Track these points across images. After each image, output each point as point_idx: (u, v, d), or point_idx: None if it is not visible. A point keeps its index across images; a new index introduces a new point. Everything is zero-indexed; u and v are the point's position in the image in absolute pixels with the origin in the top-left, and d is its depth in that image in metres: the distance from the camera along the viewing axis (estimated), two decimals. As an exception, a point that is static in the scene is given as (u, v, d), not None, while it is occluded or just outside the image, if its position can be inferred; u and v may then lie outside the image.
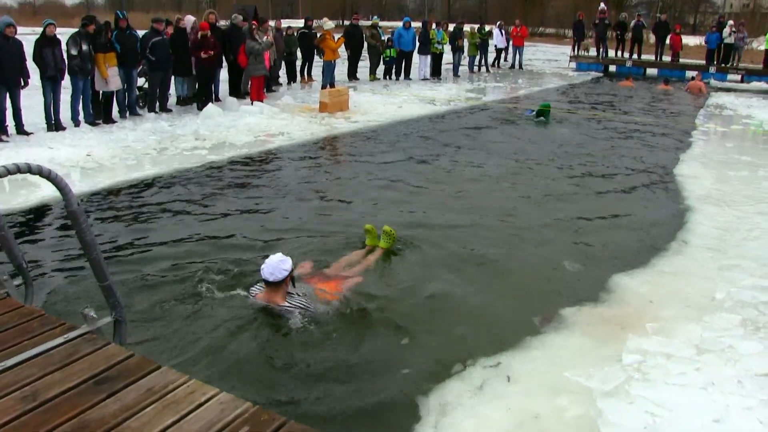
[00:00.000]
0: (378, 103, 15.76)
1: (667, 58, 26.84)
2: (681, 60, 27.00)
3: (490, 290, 5.57)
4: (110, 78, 11.55)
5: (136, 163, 9.41)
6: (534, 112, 14.97)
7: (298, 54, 18.26)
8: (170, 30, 13.15)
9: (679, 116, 16.30)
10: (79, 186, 8.05)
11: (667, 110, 17.44)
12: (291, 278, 4.88)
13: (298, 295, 4.89)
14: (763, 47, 25.63)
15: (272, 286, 4.79)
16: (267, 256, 4.88)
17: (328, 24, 17.77)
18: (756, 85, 23.56)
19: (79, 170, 8.84)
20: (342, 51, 18.26)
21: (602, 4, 28.80)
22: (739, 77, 24.15)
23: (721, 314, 5.06)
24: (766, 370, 4.21)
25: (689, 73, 24.63)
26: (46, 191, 7.57)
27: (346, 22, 22.58)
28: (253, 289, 5.04)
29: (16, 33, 10.29)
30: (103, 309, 3.38)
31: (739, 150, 11.96)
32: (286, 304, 4.81)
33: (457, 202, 8.07)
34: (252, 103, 13.83)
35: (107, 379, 2.78)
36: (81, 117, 11.50)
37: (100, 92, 11.74)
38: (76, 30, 11.28)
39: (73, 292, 5.24)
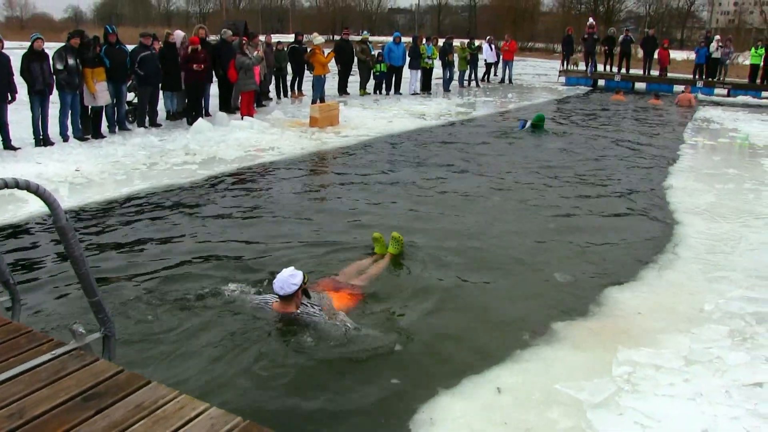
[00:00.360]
0: (368, 118, 15.80)
1: (655, 73, 27.08)
2: (669, 74, 27.26)
3: (481, 303, 5.57)
4: (99, 93, 11.53)
5: (125, 178, 9.39)
6: (528, 124, 15.15)
7: (289, 69, 18.32)
8: (157, 45, 13.16)
9: (668, 130, 16.41)
10: (67, 201, 8.02)
11: (655, 124, 17.56)
12: (304, 291, 5.01)
13: (311, 306, 5.02)
14: (748, 62, 25.88)
15: (284, 299, 4.93)
16: (260, 270, 4.90)
17: (318, 39, 17.83)
18: (742, 99, 23.78)
19: (68, 185, 8.80)
20: (332, 66, 18.30)
21: (591, 19, 29.10)
22: (725, 91, 24.37)
23: (709, 325, 5.09)
24: (753, 380, 4.24)
25: (677, 88, 24.88)
26: (34, 206, 7.53)
27: (337, 37, 22.62)
28: (269, 299, 5.13)
29: (3, 47, 10.30)
30: (92, 325, 3.36)
31: (726, 163, 12.05)
32: (298, 312, 4.95)
33: (447, 216, 8.06)
34: (242, 118, 13.83)
35: (95, 396, 2.75)
36: (70, 132, 11.46)
37: (89, 107, 11.70)
38: (63, 44, 11.26)
39: (62, 307, 5.20)
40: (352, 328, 4.85)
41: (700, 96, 23.86)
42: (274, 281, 4.94)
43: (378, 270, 6.06)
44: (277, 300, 5.00)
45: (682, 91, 22.85)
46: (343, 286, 5.61)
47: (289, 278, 4.90)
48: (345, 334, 4.77)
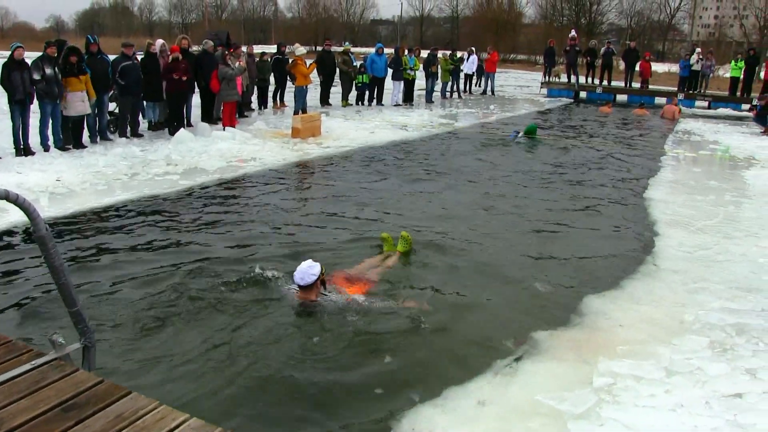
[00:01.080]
0: (350, 129, 15.82)
1: (636, 85, 27.35)
2: (650, 86, 27.53)
3: (462, 314, 5.57)
4: (74, 103, 11.42)
5: (106, 188, 9.34)
6: (520, 134, 15.62)
7: (271, 79, 18.32)
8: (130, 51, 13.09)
9: (649, 142, 16.56)
10: (48, 211, 7.96)
11: (637, 136, 17.72)
12: (322, 281, 5.47)
13: (328, 295, 5.49)
14: (729, 75, 26.22)
15: (304, 289, 5.39)
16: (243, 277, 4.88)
17: (300, 49, 17.83)
18: (723, 111, 24.08)
19: (48, 195, 8.73)
20: (314, 76, 18.33)
21: (573, 31, 29.38)
22: (706, 104, 24.65)
23: (689, 337, 5.13)
24: (733, 391, 4.28)
25: (658, 100, 25.19)
26: (13, 216, 7.46)
27: (319, 48, 22.69)
28: (292, 289, 5.56)
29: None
30: (72, 335, 3.33)
31: (706, 175, 12.17)
32: (318, 300, 5.41)
33: (429, 226, 8.07)
34: (224, 129, 13.81)
35: (75, 406, 2.74)
36: (51, 142, 11.37)
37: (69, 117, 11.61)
38: (40, 54, 11.16)
39: (41, 318, 5.16)
40: (368, 303, 5.43)
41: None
42: (295, 273, 5.38)
43: (387, 267, 6.43)
44: (298, 290, 5.43)
45: (669, 102, 23.19)
46: (356, 279, 5.98)
47: (308, 269, 5.36)
48: (362, 310, 5.33)
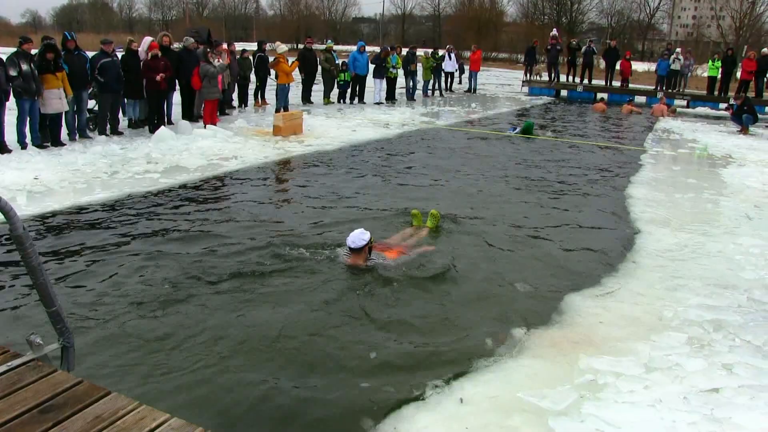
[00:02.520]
0: (332, 127, 15.80)
1: (617, 83, 27.55)
2: (630, 85, 27.75)
3: (442, 312, 5.58)
4: (54, 100, 11.30)
5: (86, 186, 9.25)
6: (517, 129, 16.29)
7: (252, 77, 18.26)
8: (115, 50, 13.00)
9: (630, 140, 16.70)
10: (25, 210, 7.88)
11: (618, 134, 17.87)
12: (369, 247, 6.34)
13: (374, 260, 6.36)
14: (707, 74, 26.50)
15: (355, 252, 6.28)
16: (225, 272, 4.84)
17: (281, 47, 17.79)
18: (701, 110, 24.33)
19: (26, 194, 8.63)
20: (296, 74, 18.29)
21: (554, 30, 29.56)
22: (685, 102, 24.89)
23: (668, 333, 5.18)
24: (710, 386, 4.33)
25: (638, 98, 25.46)
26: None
27: (300, 46, 22.62)
28: (343, 254, 6.44)
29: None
30: (51, 335, 3.30)
31: (685, 173, 12.29)
32: (367, 264, 6.27)
33: (408, 224, 8.08)
34: (205, 127, 13.74)
35: (53, 408, 2.71)
36: (28, 139, 11.25)
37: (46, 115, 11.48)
38: (14, 50, 11.02)
39: (19, 318, 5.11)
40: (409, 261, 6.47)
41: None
42: (348, 238, 6.30)
43: (419, 238, 7.32)
44: (349, 254, 6.32)
45: (659, 101, 23.72)
46: (394, 247, 6.82)
47: (360, 235, 6.28)
48: (404, 265, 6.33)
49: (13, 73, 10.59)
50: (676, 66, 25.39)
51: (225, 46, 16.45)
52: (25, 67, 10.69)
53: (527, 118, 18.60)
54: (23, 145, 11.12)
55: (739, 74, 24.69)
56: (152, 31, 63.11)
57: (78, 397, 2.78)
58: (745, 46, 37.46)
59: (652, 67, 28.44)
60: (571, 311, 5.64)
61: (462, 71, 28.92)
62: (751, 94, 22.95)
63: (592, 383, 4.36)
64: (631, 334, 5.16)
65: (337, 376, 4.48)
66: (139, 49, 13.39)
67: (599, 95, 26.21)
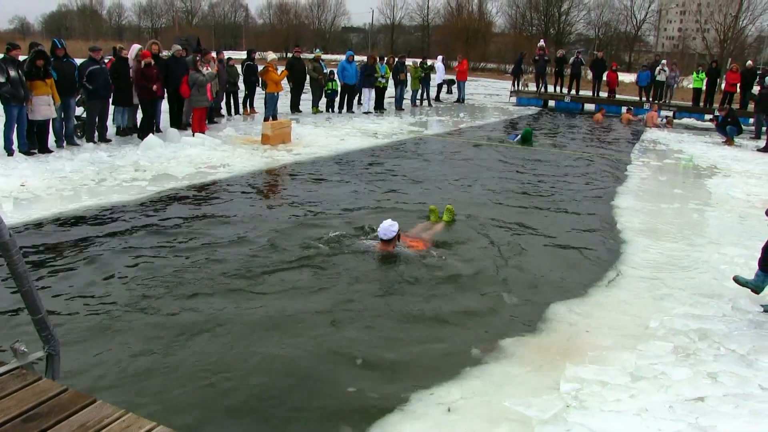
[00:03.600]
0: (320, 136, 15.81)
1: (604, 94, 27.72)
2: (617, 96, 27.94)
3: (429, 320, 5.60)
4: (43, 106, 11.25)
5: (73, 194, 9.21)
6: (518, 137, 16.92)
7: (241, 86, 18.26)
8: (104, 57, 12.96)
9: (616, 150, 16.81)
10: (11, 216, 7.83)
11: (605, 144, 18.00)
12: (397, 236, 7.13)
13: (400, 247, 7.17)
14: (692, 85, 26.73)
15: (385, 242, 7.06)
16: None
17: (271, 56, 17.80)
18: (687, 121, 24.52)
19: (12, 200, 8.57)
20: (284, 83, 18.30)
21: (542, 41, 29.67)
22: (671, 113, 25.08)
23: (654, 342, 5.21)
24: (696, 395, 4.36)
25: (623, 108, 25.74)
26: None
27: (290, 55, 22.62)
28: (372, 244, 7.27)
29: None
30: (36, 343, 3.28)
31: (671, 183, 12.38)
32: (395, 251, 7.09)
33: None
34: (193, 135, 13.71)
35: (37, 416, 2.68)
36: (15, 146, 11.18)
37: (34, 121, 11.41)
38: (1, 56, 10.95)
39: (3, 325, 5.07)
40: (428, 255, 7.19)
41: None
42: (379, 229, 7.09)
43: (436, 231, 8.14)
44: (379, 243, 7.13)
45: (650, 109, 24.12)
46: (416, 238, 7.60)
47: (390, 227, 7.05)
48: (424, 258, 7.06)
49: (1, 79, 10.53)
50: (661, 77, 25.59)
51: (213, 54, 16.44)
52: (12, 73, 10.63)
53: (526, 126, 18.97)
54: (10, 152, 11.03)
55: (723, 86, 24.95)
56: (141, 38, 63.05)
57: (63, 406, 2.75)
58: (729, 59, 37.77)
59: (635, 79, 28.67)
60: (558, 320, 5.67)
61: (451, 82, 29.01)
62: (735, 105, 23.18)
63: (578, 392, 4.37)
64: (617, 344, 5.19)
65: (323, 381, 4.49)
66: (128, 56, 13.35)
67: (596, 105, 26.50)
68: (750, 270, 7.01)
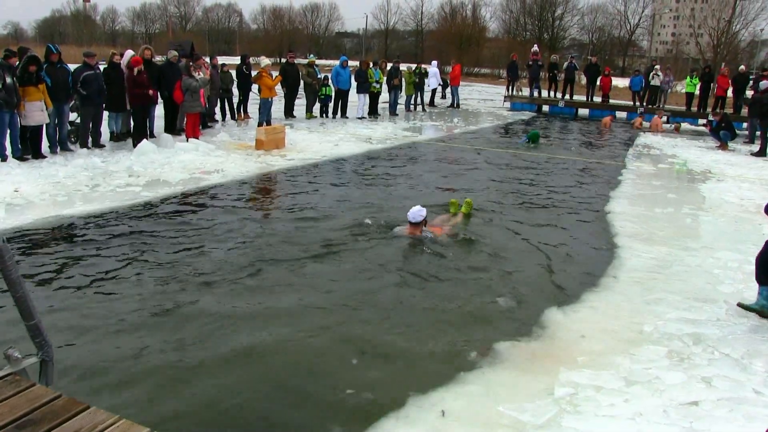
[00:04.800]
0: (314, 141, 15.80)
1: (597, 99, 27.81)
2: (610, 101, 28.03)
3: (424, 325, 5.60)
4: (36, 112, 11.22)
5: (66, 199, 9.19)
6: (527, 139, 17.98)
7: (235, 91, 18.26)
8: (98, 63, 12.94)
9: (610, 155, 16.86)
10: (5, 222, 7.82)
11: (598, 149, 18.05)
12: (425, 221, 7.94)
13: (426, 231, 7.96)
14: (685, 90, 26.85)
15: (414, 225, 7.89)
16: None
17: (265, 61, 17.80)
18: (683, 126, 24.60)
19: (5, 206, 8.55)
20: (278, 89, 18.30)
21: (535, 46, 29.78)
22: (665, 118, 25.16)
23: (648, 347, 5.23)
24: (690, 399, 4.37)
25: (619, 114, 25.85)
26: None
27: (284, 60, 22.61)
28: (399, 228, 8.10)
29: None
30: (30, 349, 3.27)
31: (665, 188, 12.40)
32: (422, 235, 7.87)
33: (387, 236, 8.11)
34: (187, 140, 13.69)
35: (30, 423, 2.68)
36: (8, 151, 11.15)
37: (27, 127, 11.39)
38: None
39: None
40: (452, 239, 8.05)
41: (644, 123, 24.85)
42: (409, 213, 7.88)
43: (456, 221, 8.99)
44: (408, 226, 7.93)
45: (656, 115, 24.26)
46: (438, 226, 8.40)
47: (419, 211, 7.86)
48: (447, 243, 7.85)
49: None
50: (655, 82, 25.70)
51: (207, 60, 16.44)
52: (8, 79, 10.63)
53: (533, 128, 20.46)
54: (3, 158, 11.01)
55: (715, 91, 25.08)
56: (135, 44, 63.01)
57: (56, 412, 2.75)
58: (723, 63, 37.95)
59: (628, 84, 28.82)
60: (552, 325, 5.67)
61: (445, 87, 29.06)
62: (729, 110, 23.28)
63: (572, 397, 4.38)
64: (612, 348, 5.20)
65: (318, 382, 4.50)
66: (120, 62, 13.34)
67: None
68: (744, 274, 7.07)
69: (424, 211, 7.88)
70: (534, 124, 23.69)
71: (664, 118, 24.20)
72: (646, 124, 24.11)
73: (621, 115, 26.59)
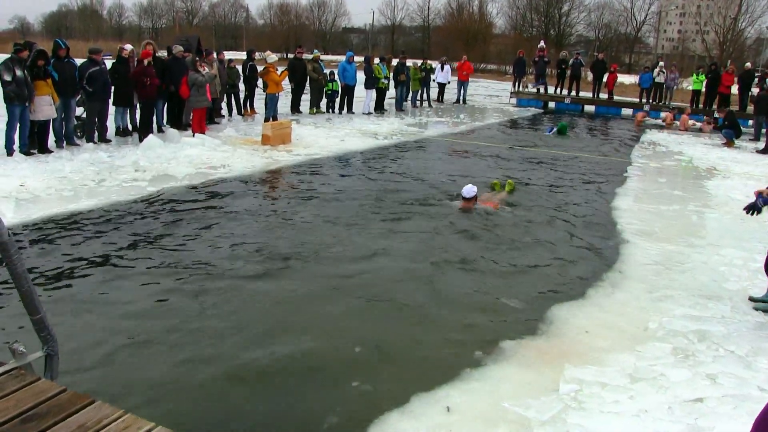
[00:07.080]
0: (320, 137, 15.81)
1: (604, 95, 27.72)
2: (615, 98, 27.94)
3: (429, 322, 5.60)
4: (45, 107, 11.25)
5: (72, 194, 9.21)
6: (553, 130, 19.03)
7: (242, 86, 18.26)
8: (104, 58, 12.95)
9: (616, 152, 16.83)
10: (11, 217, 7.84)
11: (604, 146, 18.01)
12: (476, 197, 9.39)
13: (478, 207, 9.35)
14: (691, 87, 26.74)
15: (467, 200, 9.32)
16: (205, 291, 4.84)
17: (271, 57, 17.78)
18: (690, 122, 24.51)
19: (12, 201, 8.57)
20: (285, 84, 18.29)
21: (542, 42, 29.67)
22: (671, 115, 25.08)
23: (653, 343, 5.22)
24: (694, 396, 4.36)
25: (625, 111, 25.76)
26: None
27: (290, 56, 22.59)
28: (456, 202, 9.53)
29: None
30: (35, 343, 3.28)
31: (671, 185, 12.38)
32: (475, 207, 9.30)
33: (399, 232, 8.11)
34: (193, 135, 13.71)
35: (35, 417, 2.67)
36: (15, 146, 11.17)
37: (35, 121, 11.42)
38: (9, 56, 10.98)
39: (2, 326, 5.07)
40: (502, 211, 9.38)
41: (648, 119, 24.77)
42: (463, 189, 9.41)
43: (501, 197, 10.11)
44: (462, 201, 9.39)
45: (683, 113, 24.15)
46: (487, 201, 9.68)
47: (471, 188, 9.39)
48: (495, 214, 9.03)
49: (7, 78, 10.55)
50: (660, 79, 25.62)
51: (214, 55, 16.44)
52: (19, 72, 10.66)
53: (561, 120, 21.34)
54: (10, 152, 11.03)
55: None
56: (142, 38, 63.01)
57: (61, 406, 2.75)
58: (729, 61, 37.80)
59: (638, 81, 28.71)
60: (557, 321, 5.67)
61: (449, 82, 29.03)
62: (735, 107, 23.15)
63: (577, 393, 4.37)
64: (616, 345, 5.19)
65: (321, 375, 4.52)
66: (127, 56, 13.35)
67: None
68: (749, 272, 7.05)
69: (475, 188, 9.39)
70: (546, 120, 23.65)
71: (670, 115, 24.13)
72: (650, 120, 24.04)
73: (627, 111, 26.51)
